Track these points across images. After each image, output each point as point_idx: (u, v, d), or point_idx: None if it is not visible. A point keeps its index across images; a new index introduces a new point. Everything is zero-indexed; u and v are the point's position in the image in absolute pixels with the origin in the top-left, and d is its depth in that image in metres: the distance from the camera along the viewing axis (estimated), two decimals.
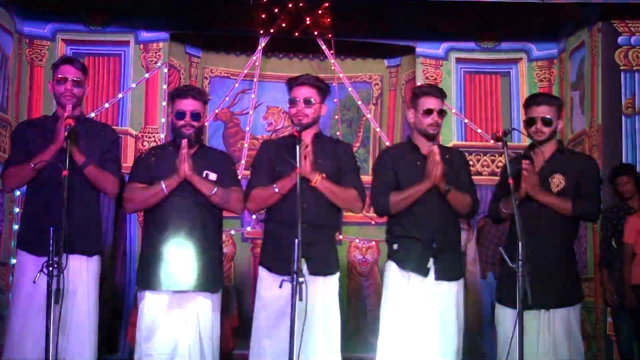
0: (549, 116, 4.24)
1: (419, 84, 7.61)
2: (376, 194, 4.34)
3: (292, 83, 4.26)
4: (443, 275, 4.19)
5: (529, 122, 4.30)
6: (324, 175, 4.10)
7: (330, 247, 4.26)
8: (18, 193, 6.63)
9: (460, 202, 4.24)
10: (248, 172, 4.55)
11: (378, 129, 7.99)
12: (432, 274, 4.18)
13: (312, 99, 4.18)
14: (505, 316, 4.24)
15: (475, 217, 5.29)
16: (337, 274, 4.23)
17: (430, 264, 4.19)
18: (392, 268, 4.29)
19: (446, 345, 4.13)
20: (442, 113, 4.29)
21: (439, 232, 4.21)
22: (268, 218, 4.30)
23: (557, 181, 4.26)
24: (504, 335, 4.19)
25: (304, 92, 4.19)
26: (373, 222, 7.80)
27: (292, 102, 4.22)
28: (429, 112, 4.24)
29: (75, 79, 4.25)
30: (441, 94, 4.32)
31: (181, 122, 4.20)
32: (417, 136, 4.35)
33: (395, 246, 4.30)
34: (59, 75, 4.25)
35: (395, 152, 4.53)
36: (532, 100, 4.36)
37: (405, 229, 4.25)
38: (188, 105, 4.20)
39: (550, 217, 4.20)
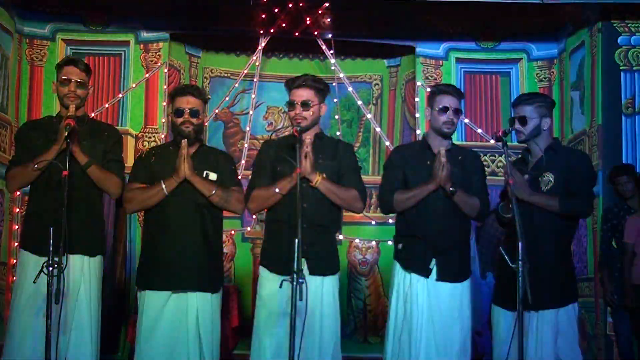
0: (523, 115, 4.22)
1: (418, 84, 7.63)
2: (382, 192, 4.35)
3: (291, 85, 4.24)
4: (445, 276, 4.17)
5: (510, 123, 4.32)
6: (324, 175, 4.09)
7: (331, 247, 4.25)
8: (18, 193, 6.64)
9: (467, 204, 4.21)
10: (248, 172, 4.54)
11: (378, 129, 7.99)
12: (434, 274, 4.17)
13: (310, 102, 4.17)
14: (501, 318, 4.22)
15: (484, 219, 5.24)
16: (337, 274, 4.22)
17: (433, 264, 4.18)
18: (396, 268, 4.30)
19: (449, 346, 4.11)
20: (457, 112, 4.28)
21: (443, 233, 4.19)
22: (269, 218, 4.29)
23: (547, 179, 4.23)
24: (499, 337, 4.19)
25: (302, 94, 4.17)
26: (373, 222, 7.80)
27: (291, 104, 4.20)
28: (444, 109, 4.23)
29: (78, 80, 4.25)
30: (458, 93, 4.32)
31: (180, 120, 4.20)
32: (432, 135, 4.35)
33: (399, 246, 4.30)
34: (63, 77, 4.25)
35: (406, 151, 4.52)
36: (513, 102, 4.39)
37: (410, 228, 4.25)
38: (187, 102, 4.20)
39: (542, 218, 4.16)
